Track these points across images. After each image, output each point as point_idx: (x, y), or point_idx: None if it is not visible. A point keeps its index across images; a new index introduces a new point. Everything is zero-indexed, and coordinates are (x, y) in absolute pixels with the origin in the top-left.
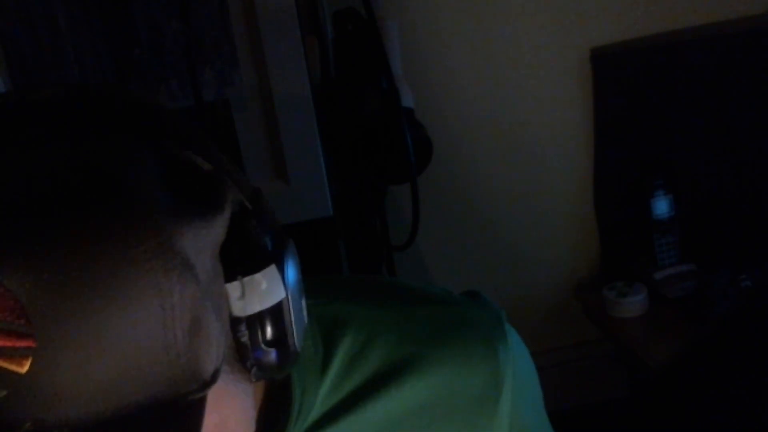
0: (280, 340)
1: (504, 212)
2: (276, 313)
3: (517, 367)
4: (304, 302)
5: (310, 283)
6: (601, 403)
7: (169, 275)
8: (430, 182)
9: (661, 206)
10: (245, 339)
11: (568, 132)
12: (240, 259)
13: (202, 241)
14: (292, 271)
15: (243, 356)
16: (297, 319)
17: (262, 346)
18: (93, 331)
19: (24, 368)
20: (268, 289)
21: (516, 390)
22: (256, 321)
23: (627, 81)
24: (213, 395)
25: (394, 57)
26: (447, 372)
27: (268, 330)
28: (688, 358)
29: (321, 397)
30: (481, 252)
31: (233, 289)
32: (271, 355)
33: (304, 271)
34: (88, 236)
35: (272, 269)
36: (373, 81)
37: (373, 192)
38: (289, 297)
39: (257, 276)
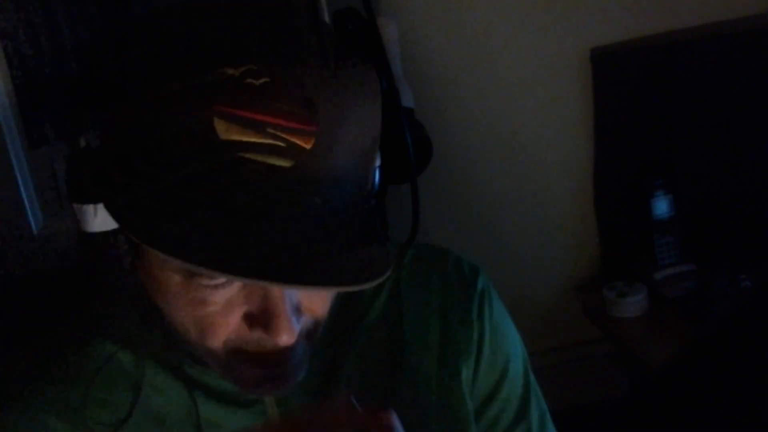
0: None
1: (504, 212)
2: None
3: (492, 287)
4: None
5: None
6: (601, 403)
7: (380, 106)
8: (430, 182)
9: (661, 206)
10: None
11: (568, 132)
12: None
13: None
14: None
15: None
16: None
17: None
18: (350, 123)
19: (309, 144)
20: None
21: (490, 292)
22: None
23: (627, 81)
24: None
25: (394, 57)
26: (449, 271)
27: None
28: (688, 358)
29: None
30: (481, 252)
31: None
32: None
33: None
34: (356, 61)
35: None
36: None
37: None
38: None
39: None
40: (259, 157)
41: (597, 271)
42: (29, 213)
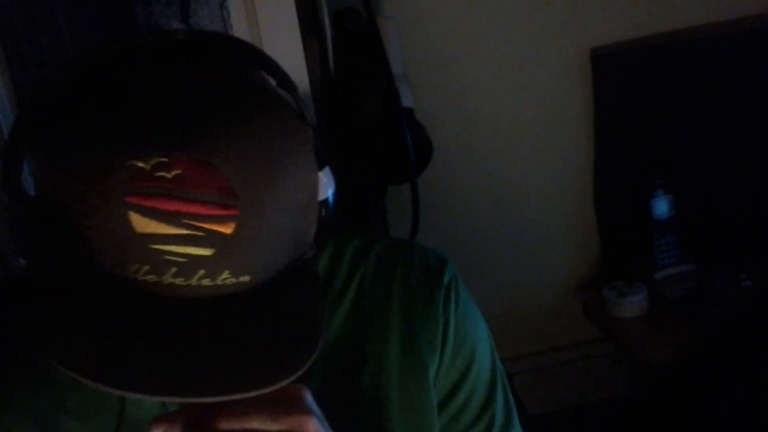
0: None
1: (504, 212)
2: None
3: (459, 278)
4: None
5: None
6: (601, 403)
7: (312, 159)
8: (430, 182)
9: (661, 206)
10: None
11: (568, 132)
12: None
13: (313, 140)
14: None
15: None
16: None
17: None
18: (275, 198)
19: (230, 230)
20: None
21: (457, 283)
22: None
23: (627, 81)
24: None
25: (394, 57)
26: (414, 264)
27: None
28: (688, 358)
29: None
30: (481, 252)
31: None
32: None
33: None
34: (274, 129)
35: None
36: (373, 81)
37: (373, 192)
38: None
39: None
40: (178, 249)
41: (597, 271)
42: None
